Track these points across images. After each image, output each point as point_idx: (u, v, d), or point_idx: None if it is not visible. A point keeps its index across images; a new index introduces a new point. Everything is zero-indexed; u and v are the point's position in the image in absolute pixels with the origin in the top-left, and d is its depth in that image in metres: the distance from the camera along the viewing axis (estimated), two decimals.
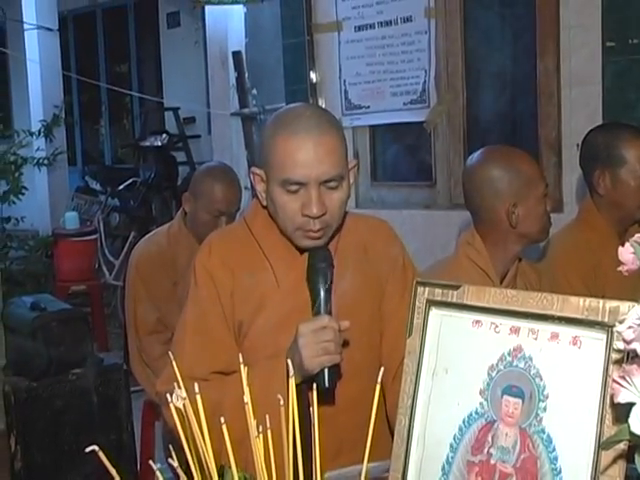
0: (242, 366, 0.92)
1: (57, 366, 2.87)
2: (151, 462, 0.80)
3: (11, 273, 6.00)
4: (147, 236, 3.22)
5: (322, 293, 1.64)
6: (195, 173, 3.22)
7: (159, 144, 7.42)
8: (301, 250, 1.74)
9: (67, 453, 2.79)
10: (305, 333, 1.57)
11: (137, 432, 3.08)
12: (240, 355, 0.97)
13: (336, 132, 1.70)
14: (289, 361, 0.99)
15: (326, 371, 1.59)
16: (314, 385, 0.99)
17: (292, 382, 0.88)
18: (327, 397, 1.68)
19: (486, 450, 1.12)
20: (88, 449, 0.75)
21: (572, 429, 1.05)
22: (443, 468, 1.17)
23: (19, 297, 3.19)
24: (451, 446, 1.16)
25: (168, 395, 0.87)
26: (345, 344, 1.65)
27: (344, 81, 4.43)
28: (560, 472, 1.06)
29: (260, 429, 0.90)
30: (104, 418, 2.93)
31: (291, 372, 0.92)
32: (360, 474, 0.89)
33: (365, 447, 0.95)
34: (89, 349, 3.00)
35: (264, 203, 1.76)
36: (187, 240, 3.02)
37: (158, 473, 0.75)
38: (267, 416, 0.90)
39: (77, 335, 2.95)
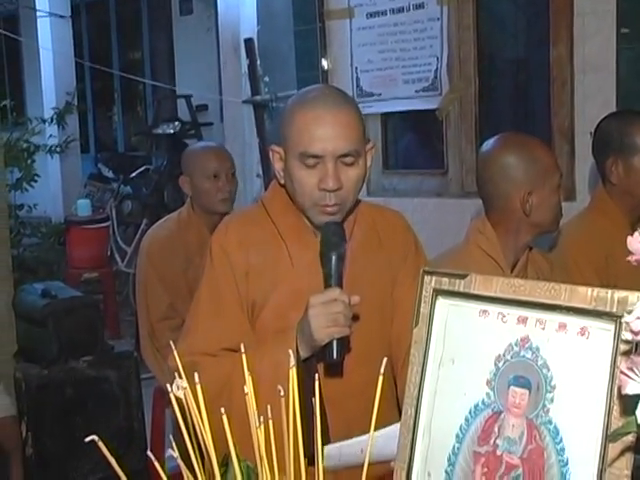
0: (244, 358, 0.91)
1: (68, 353, 2.89)
2: (150, 453, 0.80)
3: (24, 260, 6.02)
4: (158, 223, 3.24)
5: (334, 266, 1.65)
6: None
7: (172, 131, 7.43)
8: (317, 232, 1.76)
9: (78, 439, 2.80)
10: (315, 304, 1.59)
11: (147, 419, 3.09)
12: (242, 345, 0.97)
13: (354, 109, 1.74)
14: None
15: (335, 343, 1.60)
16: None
17: (293, 373, 0.87)
18: (334, 370, 1.70)
19: (492, 441, 1.11)
20: (87, 439, 0.75)
21: (579, 420, 1.04)
22: (449, 458, 1.16)
23: (30, 284, 3.20)
24: (457, 436, 1.15)
25: (168, 385, 0.87)
26: (357, 329, 1.67)
27: (356, 68, 4.40)
28: (567, 464, 1.05)
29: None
30: (115, 405, 2.94)
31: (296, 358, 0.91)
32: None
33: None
34: (100, 336, 3.02)
35: (282, 182, 1.79)
36: (197, 226, 3.04)
37: (159, 467, 0.75)
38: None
39: (88, 322, 2.96)
